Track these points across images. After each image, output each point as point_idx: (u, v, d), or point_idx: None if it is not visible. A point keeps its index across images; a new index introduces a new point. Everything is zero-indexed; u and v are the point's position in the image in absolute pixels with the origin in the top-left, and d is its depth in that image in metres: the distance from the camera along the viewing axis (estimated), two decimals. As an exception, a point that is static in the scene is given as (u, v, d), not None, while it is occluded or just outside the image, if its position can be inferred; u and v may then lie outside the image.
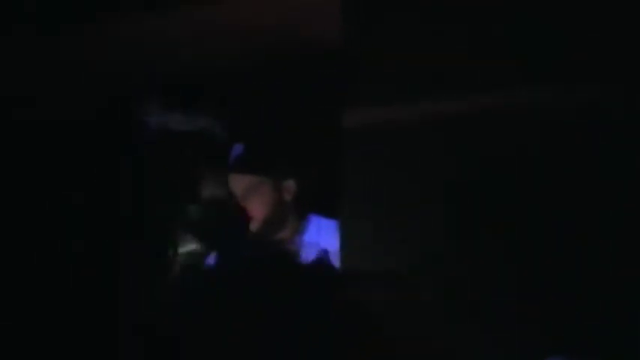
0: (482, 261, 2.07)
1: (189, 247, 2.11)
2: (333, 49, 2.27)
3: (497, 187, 2.10)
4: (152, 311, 1.30)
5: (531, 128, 2.10)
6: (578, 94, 2.07)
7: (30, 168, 1.33)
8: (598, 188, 2.04)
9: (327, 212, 2.71)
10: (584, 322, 1.98)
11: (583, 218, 2.04)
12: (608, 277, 1.98)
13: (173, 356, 1.23)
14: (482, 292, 2.06)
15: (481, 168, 2.12)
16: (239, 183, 2.63)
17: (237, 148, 2.67)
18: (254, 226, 2.61)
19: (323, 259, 1.61)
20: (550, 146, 2.09)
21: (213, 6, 2.42)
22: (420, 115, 2.18)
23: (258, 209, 2.64)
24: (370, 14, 2.21)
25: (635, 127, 2.01)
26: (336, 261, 2.38)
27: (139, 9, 2.38)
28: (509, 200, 2.08)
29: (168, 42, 2.68)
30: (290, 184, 2.71)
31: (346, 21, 2.24)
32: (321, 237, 2.67)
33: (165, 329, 1.27)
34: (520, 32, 2.12)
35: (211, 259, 2.39)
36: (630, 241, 1.98)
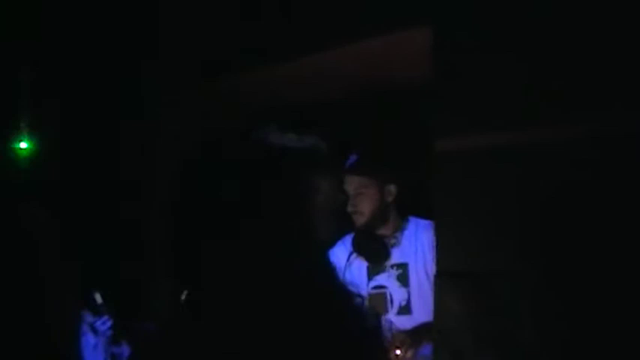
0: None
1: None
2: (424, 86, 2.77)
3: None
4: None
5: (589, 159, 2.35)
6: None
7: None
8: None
9: (424, 214, 3.32)
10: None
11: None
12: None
13: None
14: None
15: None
16: (352, 183, 3.31)
17: (352, 157, 3.34)
18: (362, 219, 3.31)
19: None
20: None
21: (331, 54, 3.03)
22: (499, 140, 2.61)
23: (365, 205, 3.31)
24: (454, 60, 2.68)
25: None
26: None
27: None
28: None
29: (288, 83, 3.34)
30: (391, 188, 3.34)
31: (436, 65, 2.74)
32: (419, 234, 3.33)
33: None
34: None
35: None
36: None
